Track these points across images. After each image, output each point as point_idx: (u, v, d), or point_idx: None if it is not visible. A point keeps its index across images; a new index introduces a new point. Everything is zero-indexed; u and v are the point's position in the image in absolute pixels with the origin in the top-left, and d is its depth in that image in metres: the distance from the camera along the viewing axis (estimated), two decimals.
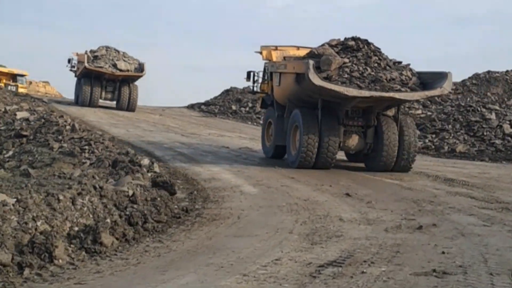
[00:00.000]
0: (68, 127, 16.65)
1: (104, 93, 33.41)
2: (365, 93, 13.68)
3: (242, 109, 37.87)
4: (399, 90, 14.10)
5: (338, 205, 9.95)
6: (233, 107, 38.22)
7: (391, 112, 15.25)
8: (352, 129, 14.96)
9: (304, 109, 15.04)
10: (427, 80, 14.79)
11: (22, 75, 50.63)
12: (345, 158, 16.78)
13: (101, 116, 27.07)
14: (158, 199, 9.26)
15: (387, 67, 14.75)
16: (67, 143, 15.02)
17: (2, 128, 17.89)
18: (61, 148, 14.49)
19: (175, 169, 13.60)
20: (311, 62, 13.62)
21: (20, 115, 20.26)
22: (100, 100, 33.56)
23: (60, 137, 15.55)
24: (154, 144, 18.26)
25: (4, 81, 48.27)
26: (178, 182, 11.64)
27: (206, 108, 39.63)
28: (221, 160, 15.99)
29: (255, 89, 18.93)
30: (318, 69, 13.84)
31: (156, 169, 12.50)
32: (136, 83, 34.13)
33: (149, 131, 22.29)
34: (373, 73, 14.33)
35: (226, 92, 42.46)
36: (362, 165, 15.59)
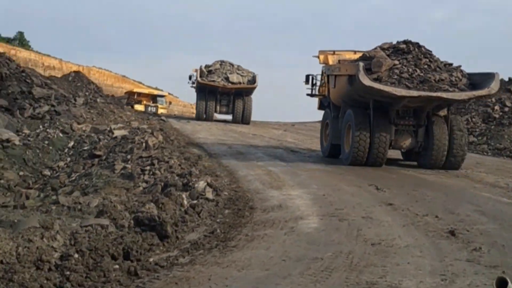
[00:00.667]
0: (144, 144, 14.79)
1: (219, 106, 33.43)
2: (413, 92, 14.13)
3: None
4: (447, 90, 14.42)
5: None
6: None
7: (442, 113, 15.69)
8: (404, 128, 15.52)
9: (357, 109, 15.70)
10: (477, 81, 15.10)
11: (162, 96, 51.15)
12: (399, 157, 17.10)
13: (214, 132, 25.18)
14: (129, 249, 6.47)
15: (437, 69, 15.12)
16: (134, 163, 13.14)
17: (86, 148, 16.58)
18: (123, 169, 12.62)
19: (243, 193, 10.90)
20: (361, 64, 14.35)
21: (117, 133, 19.07)
22: (217, 114, 34.03)
23: (128, 157, 13.72)
24: (246, 162, 15.73)
25: (144, 102, 48.93)
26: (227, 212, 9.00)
27: None
28: (312, 180, 12.92)
29: (313, 92, 19.62)
30: (369, 70, 14.50)
31: (209, 194, 10.00)
32: (254, 96, 33.60)
33: (254, 147, 19.82)
34: (422, 74, 14.71)
35: None
36: (415, 163, 16.09)
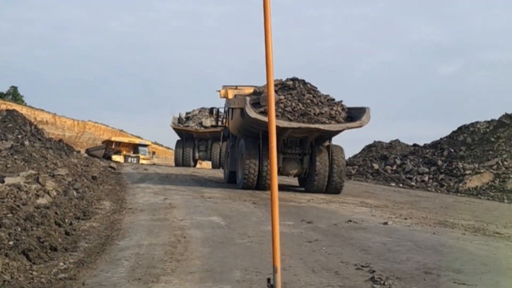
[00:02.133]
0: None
1: (198, 152, 33.09)
2: (294, 124, 15.74)
3: (388, 167, 28.23)
4: (324, 122, 16.07)
5: None
6: (375, 166, 28.72)
7: (325, 143, 17.26)
8: (290, 156, 17.06)
9: (249, 139, 17.06)
10: (354, 114, 16.73)
11: (144, 145, 45.80)
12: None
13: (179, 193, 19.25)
14: None
15: (320, 103, 16.76)
16: None
17: None
18: None
19: None
20: (247, 98, 16.08)
21: (8, 181, 13.28)
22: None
23: None
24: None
25: (124, 152, 43.57)
26: None
27: None
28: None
29: (217, 123, 21.47)
30: (258, 104, 16.12)
31: None
32: None
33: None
34: (303, 108, 16.33)
35: (369, 148, 33.23)
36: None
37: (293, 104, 16.25)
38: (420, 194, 20.32)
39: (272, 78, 3.60)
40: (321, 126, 15.84)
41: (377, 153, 31.69)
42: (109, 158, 40.55)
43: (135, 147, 45.13)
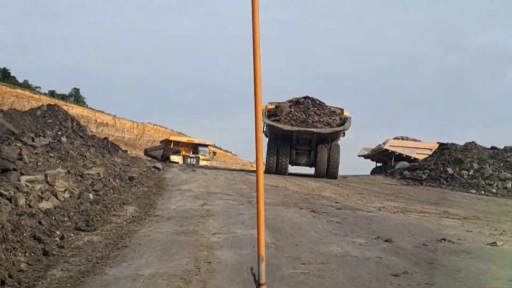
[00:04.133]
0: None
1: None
2: (295, 128, 22.37)
3: (464, 172, 24.89)
4: (317, 127, 22.57)
5: None
6: (449, 171, 25.40)
7: (326, 143, 23.20)
8: (301, 152, 23.63)
9: (271, 139, 23.70)
10: (345, 122, 23.29)
11: (205, 145, 43.11)
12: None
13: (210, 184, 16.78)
14: None
15: (322, 114, 23.36)
16: None
17: None
18: None
19: None
20: (264, 110, 22.94)
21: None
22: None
23: None
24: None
25: (183, 152, 41.19)
26: None
27: (410, 174, 27.24)
28: None
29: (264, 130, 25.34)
30: (275, 115, 23.23)
31: None
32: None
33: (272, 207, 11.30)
34: (305, 117, 23.00)
35: (441, 150, 29.77)
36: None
37: (298, 114, 23.02)
38: (510, 203, 17.16)
39: (260, 82, 3.47)
40: (314, 130, 22.36)
41: (450, 156, 28.21)
42: (167, 158, 38.57)
43: (194, 147, 42.43)
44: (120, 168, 18.24)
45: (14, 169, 10.56)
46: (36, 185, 9.26)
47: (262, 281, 3.31)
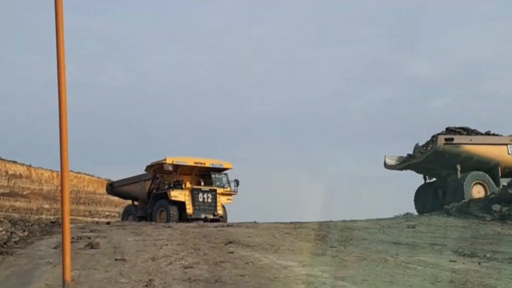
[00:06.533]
0: None
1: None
2: None
3: None
4: None
5: None
6: (493, 208, 19.11)
7: None
8: None
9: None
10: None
11: (222, 169, 23.17)
12: None
13: None
14: None
15: None
16: None
17: None
18: None
19: None
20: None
21: None
22: None
23: None
24: None
25: (188, 184, 23.37)
26: None
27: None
28: None
29: None
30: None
31: None
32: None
33: None
34: None
35: None
36: None
37: None
38: None
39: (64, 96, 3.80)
40: None
41: None
42: (164, 197, 24.42)
43: (205, 174, 25.98)
44: None
45: None
46: None
47: None
